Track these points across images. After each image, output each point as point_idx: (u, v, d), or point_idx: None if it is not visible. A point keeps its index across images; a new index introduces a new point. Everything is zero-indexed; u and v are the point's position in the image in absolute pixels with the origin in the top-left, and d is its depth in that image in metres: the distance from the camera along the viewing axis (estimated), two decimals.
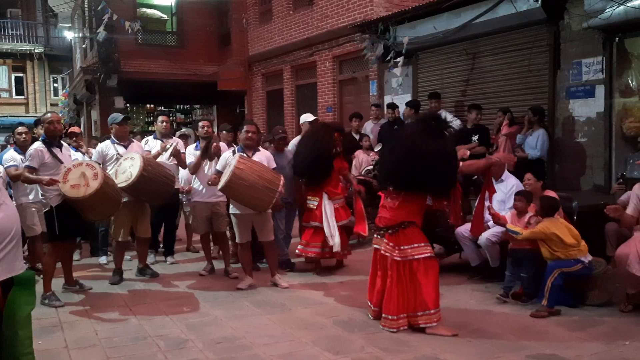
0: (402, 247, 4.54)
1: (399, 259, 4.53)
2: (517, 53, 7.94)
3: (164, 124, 7.20)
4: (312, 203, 6.40)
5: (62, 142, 5.95)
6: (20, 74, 29.29)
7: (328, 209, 6.30)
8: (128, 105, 17.25)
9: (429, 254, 4.57)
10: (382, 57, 9.89)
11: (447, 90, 9.08)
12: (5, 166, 6.25)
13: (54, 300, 5.45)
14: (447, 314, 4.63)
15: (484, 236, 5.83)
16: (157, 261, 7.26)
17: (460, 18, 8.35)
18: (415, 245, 4.54)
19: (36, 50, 28.65)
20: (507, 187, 6.05)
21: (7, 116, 27.10)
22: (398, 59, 9.19)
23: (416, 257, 4.52)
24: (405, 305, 4.54)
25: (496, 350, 4.13)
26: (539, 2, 7.14)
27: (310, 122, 7.36)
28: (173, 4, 17.52)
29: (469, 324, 4.68)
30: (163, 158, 6.59)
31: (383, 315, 4.61)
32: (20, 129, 6.80)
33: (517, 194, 5.60)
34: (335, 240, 6.21)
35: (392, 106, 9.12)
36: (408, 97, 9.77)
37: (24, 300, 3.03)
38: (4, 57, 28.57)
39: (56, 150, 5.66)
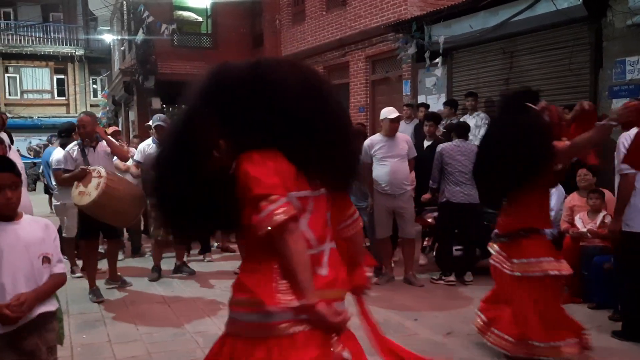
0: (514, 261, 3.75)
1: (509, 272, 3.77)
2: (557, 52, 7.77)
3: None
4: None
5: (98, 141, 5.88)
6: (62, 76, 30.03)
7: None
8: (164, 106, 17.53)
9: (552, 272, 3.66)
10: (415, 56, 9.82)
11: (483, 90, 8.94)
12: (53, 167, 6.39)
13: (98, 295, 5.59)
14: None
15: None
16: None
17: (497, 16, 8.23)
18: (533, 259, 3.69)
19: (77, 53, 29.30)
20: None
21: (49, 117, 27.93)
22: (436, 59, 9.08)
23: (531, 274, 3.68)
24: (525, 330, 3.68)
25: None
26: (580, 0, 7.00)
27: (392, 120, 6.07)
28: (208, 7, 17.74)
29: None
30: None
31: (495, 330, 3.87)
32: None
33: (593, 192, 5.44)
34: None
35: (425, 105, 8.95)
36: (442, 97, 9.67)
37: None
38: (46, 59, 29.33)
39: (88, 151, 5.68)
